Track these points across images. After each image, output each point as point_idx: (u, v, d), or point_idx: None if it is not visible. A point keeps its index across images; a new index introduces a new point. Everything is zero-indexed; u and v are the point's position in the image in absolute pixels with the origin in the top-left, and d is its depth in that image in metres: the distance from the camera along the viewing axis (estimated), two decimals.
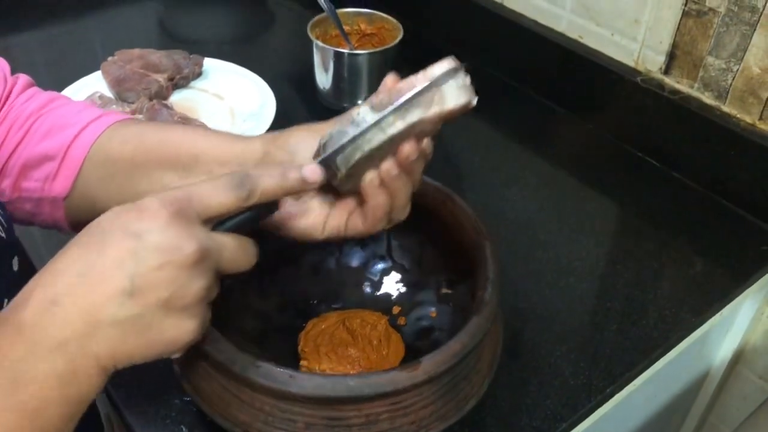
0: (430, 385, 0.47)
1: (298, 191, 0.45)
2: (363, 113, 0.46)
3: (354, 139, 0.45)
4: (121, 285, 0.36)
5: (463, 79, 0.46)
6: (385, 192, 0.48)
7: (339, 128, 0.47)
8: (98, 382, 0.38)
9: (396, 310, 0.62)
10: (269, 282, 0.61)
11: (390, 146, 0.46)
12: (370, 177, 0.48)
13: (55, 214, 0.55)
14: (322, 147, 0.48)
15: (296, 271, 0.63)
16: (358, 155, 0.46)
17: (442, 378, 0.47)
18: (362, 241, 0.65)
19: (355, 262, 0.65)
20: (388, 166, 0.47)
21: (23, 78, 0.59)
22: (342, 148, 0.46)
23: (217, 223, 0.42)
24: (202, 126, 0.85)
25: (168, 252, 0.37)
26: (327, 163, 0.47)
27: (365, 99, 0.49)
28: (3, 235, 0.49)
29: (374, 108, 0.46)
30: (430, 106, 0.45)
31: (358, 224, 0.50)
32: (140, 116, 0.86)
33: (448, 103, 0.46)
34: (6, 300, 0.46)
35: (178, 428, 0.55)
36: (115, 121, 0.55)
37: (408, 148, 0.46)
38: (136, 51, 0.97)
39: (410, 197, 0.50)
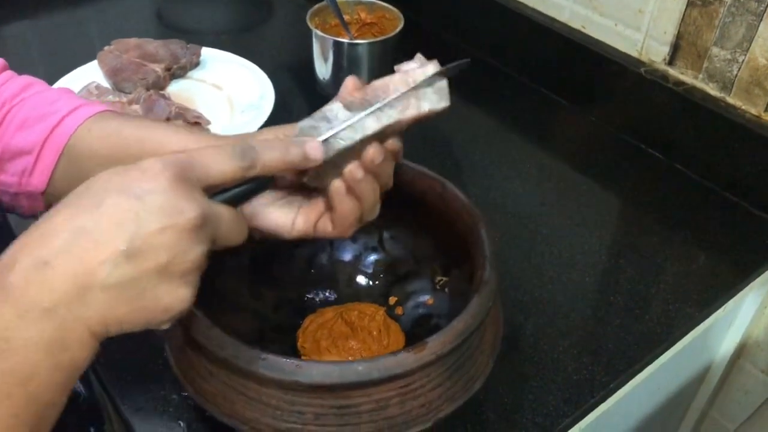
0: (438, 365, 0.47)
1: (298, 167, 0.44)
2: (336, 110, 0.46)
3: (327, 137, 0.45)
4: (119, 247, 0.35)
5: (442, 84, 0.47)
6: (353, 198, 0.48)
7: (310, 123, 0.46)
8: (90, 348, 0.36)
9: (392, 300, 0.62)
10: (262, 281, 0.61)
11: (362, 146, 0.46)
12: (336, 185, 0.47)
13: (35, 206, 0.54)
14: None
15: (289, 268, 0.63)
16: (330, 153, 0.45)
17: (448, 358, 0.48)
18: (353, 235, 0.64)
19: (347, 256, 0.65)
20: (352, 168, 0.46)
21: None
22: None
23: (214, 193, 0.41)
24: (200, 117, 0.84)
25: (170, 215, 0.36)
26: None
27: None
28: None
29: (347, 106, 0.46)
30: (407, 109, 0.46)
31: (327, 228, 0.49)
32: (137, 106, 0.84)
33: (424, 107, 0.46)
34: None
35: (176, 423, 0.54)
36: (92, 113, 0.54)
37: (372, 152, 0.46)
38: (133, 40, 0.96)
39: (379, 197, 0.49)
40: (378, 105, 0.45)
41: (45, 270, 0.34)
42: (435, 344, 0.46)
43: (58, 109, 0.54)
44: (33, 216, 0.56)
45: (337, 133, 0.45)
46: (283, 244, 0.61)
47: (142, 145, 0.52)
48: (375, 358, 0.46)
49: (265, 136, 0.51)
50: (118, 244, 0.35)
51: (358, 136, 0.45)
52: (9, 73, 0.57)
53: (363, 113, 0.45)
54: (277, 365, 0.44)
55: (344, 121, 0.45)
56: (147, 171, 0.37)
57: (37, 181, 0.53)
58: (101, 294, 0.35)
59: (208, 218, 0.38)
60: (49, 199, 0.54)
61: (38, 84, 0.57)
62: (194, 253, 0.37)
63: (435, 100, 0.46)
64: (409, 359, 0.45)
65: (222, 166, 0.40)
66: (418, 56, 0.48)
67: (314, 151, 0.44)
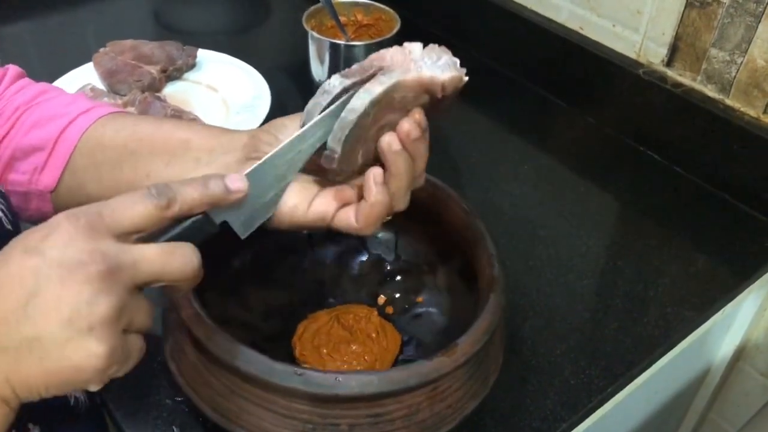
0: (464, 366, 0.48)
1: (224, 201, 0.42)
2: (333, 81, 0.45)
3: (334, 112, 0.44)
4: (19, 304, 0.33)
5: (446, 58, 0.46)
6: (386, 192, 0.46)
7: (313, 101, 0.45)
8: (1, 416, 0.34)
9: (381, 300, 0.62)
10: (248, 292, 0.60)
11: (376, 119, 0.45)
12: (374, 173, 0.45)
13: (43, 208, 0.54)
14: (302, 126, 0.46)
15: (273, 276, 0.62)
16: (347, 130, 0.44)
17: (473, 358, 0.48)
18: (335, 237, 0.64)
19: (330, 259, 0.64)
20: (390, 139, 0.45)
21: (13, 69, 0.57)
22: (321, 121, 0.44)
23: (150, 236, 0.39)
24: (196, 119, 0.83)
25: (70, 267, 0.34)
26: (319, 149, 0.45)
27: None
28: (9, 227, 0.47)
29: (344, 76, 0.45)
30: (408, 72, 0.45)
31: (350, 221, 0.47)
32: (132, 109, 0.84)
33: (425, 73, 0.45)
34: None
35: (170, 429, 0.54)
36: (107, 112, 0.54)
37: (407, 125, 0.45)
38: (129, 42, 0.95)
39: (410, 185, 0.47)
40: (375, 69, 0.44)
41: None
42: (465, 345, 0.47)
43: (74, 109, 0.54)
44: (42, 219, 0.55)
45: (344, 103, 0.44)
46: (265, 252, 0.61)
47: (153, 136, 0.52)
48: (409, 365, 0.46)
49: (283, 118, 0.49)
50: (18, 300, 0.33)
51: (365, 101, 0.43)
52: (26, 80, 0.57)
53: (360, 77, 0.44)
54: (314, 380, 0.44)
55: (339, 88, 0.44)
56: (51, 226, 0.35)
57: (48, 178, 0.53)
58: (3, 354, 0.33)
59: (116, 266, 0.35)
60: (57, 201, 0.54)
61: (53, 90, 0.57)
62: (102, 305, 0.34)
63: (438, 70, 0.45)
64: (443, 363, 0.46)
65: (135, 208, 0.37)
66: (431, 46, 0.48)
67: (235, 183, 0.42)
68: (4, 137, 0.54)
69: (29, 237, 0.35)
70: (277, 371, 0.44)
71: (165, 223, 0.39)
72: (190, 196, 0.39)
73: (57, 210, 0.54)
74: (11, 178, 0.54)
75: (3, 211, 0.46)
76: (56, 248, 0.34)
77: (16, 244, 0.35)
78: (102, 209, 0.37)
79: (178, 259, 0.38)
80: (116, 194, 0.52)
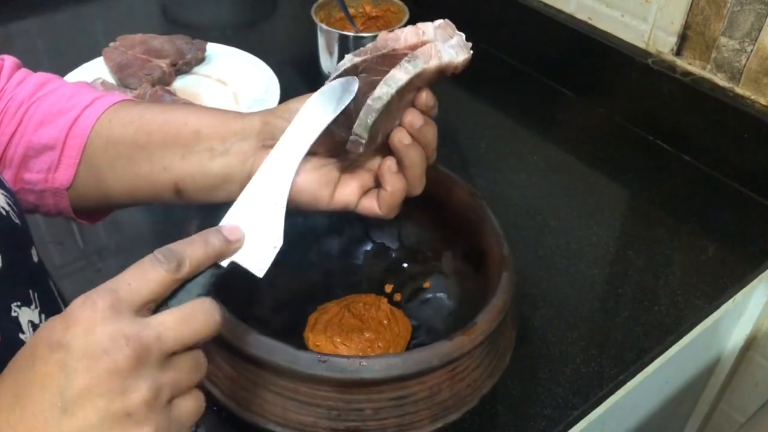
0: (481, 345, 0.48)
1: (226, 253, 0.42)
2: (345, 59, 0.46)
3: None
4: (53, 402, 0.33)
5: (457, 38, 0.47)
6: (402, 178, 0.48)
7: (329, 82, 0.47)
8: None
9: (388, 288, 0.63)
10: (257, 286, 0.60)
11: (398, 102, 0.46)
12: (387, 164, 0.47)
13: (60, 204, 0.54)
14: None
15: (280, 270, 0.62)
16: (374, 117, 0.45)
17: (490, 336, 0.49)
18: (338, 228, 0.65)
19: (335, 250, 0.65)
20: (400, 135, 0.47)
21: (9, 60, 0.56)
22: (345, 107, 0.46)
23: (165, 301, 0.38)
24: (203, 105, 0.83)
25: (95, 356, 0.33)
26: (350, 136, 0.46)
27: None
28: (18, 221, 0.46)
29: (357, 54, 0.46)
30: (430, 59, 0.45)
31: (374, 208, 0.50)
32: None
33: (444, 58, 0.46)
34: (32, 292, 0.45)
35: None
36: (111, 103, 0.54)
37: (409, 117, 0.46)
38: (138, 36, 0.96)
39: (425, 169, 0.49)
40: (406, 59, 0.45)
41: None
42: (483, 324, 0.48)
43: (77, 102, 0.53)
44: (59, 214, 0.55)
45: (370, 94, 0.45)
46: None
47: (162, 128, 0.51)
48: (431, 345, 0.46)
49: (295, 101, 0.50)
50: (51, 398, 0.33)
51: (392, 89, 0.44)
52: (24, 71, 0.56)
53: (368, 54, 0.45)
54: (339, 366, 0.45)
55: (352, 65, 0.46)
56: (71, 316, 0.34)
57: (63, 176, 0.52)
58: None
59: (143, 346, 0.34)
60: (73, 195, 0.53)
61: (54, 81, 0.56)
62: (135, 391, 0.33)
63: (453, 53, 0.46)
64: (464, 342, 0.47)
65: (149, 277, 0.37)
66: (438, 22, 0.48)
67: (234, 234, 0.42)
68: (13, 134, 0.53)
69: (52, 330, 0.34)
70: (302, 359, 0.45)
71: (177, 285, 0.38)
72: (195, 256, 0.39)
73: (74, 204, 0.54)
74: (26, 177, 0.53)
75: (10, 206, 0.46)
76: (79, 338, 0.34)
77: (39, 340, 0.35)
78: (117, 286, 0.36)
79: (200, 319, 0.37)
80: (137, 189, 0.52)
